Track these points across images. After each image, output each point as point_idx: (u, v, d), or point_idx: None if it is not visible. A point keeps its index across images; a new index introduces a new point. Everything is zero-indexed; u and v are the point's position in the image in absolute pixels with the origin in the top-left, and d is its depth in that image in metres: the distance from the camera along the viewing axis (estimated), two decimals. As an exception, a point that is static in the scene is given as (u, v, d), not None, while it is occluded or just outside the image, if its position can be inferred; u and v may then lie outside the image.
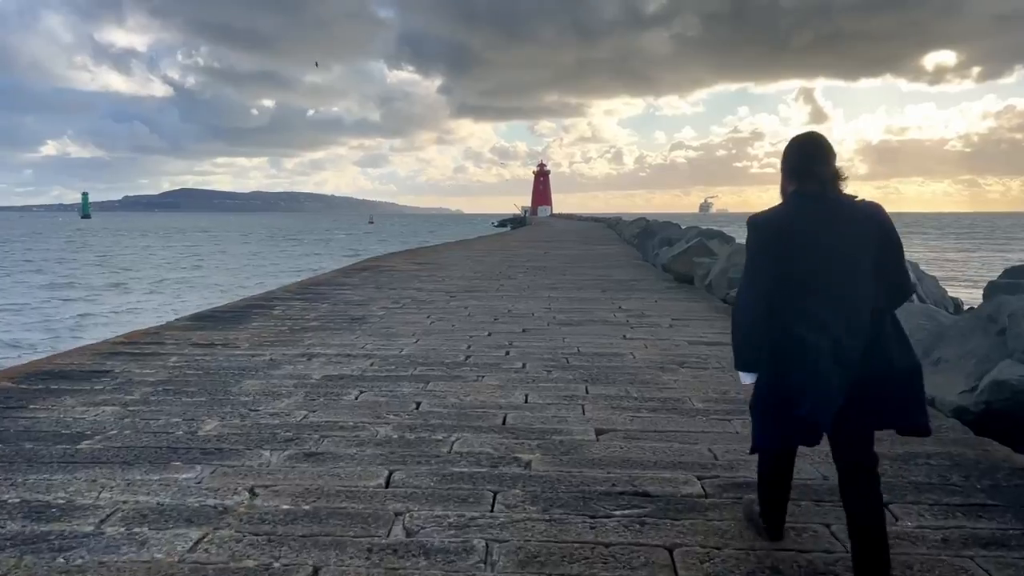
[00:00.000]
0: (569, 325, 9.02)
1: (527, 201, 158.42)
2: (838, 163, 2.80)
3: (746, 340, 2.82)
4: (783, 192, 2.87)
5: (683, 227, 23.43)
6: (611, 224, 55.67)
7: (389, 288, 13.10)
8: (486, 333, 8.37)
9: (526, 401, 5.49)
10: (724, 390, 5.83)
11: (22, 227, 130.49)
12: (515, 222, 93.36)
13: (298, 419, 4.97)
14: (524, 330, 8.62)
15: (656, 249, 18.51)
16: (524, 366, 6.66)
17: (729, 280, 11.67)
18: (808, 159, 2.77)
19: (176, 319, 9.74)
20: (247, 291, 18.33)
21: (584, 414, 5.16)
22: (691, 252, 14.01)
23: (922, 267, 13.13)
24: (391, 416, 5.05)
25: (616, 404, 5.42)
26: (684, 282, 14.11)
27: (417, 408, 5.27)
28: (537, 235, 41.43)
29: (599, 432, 4.75)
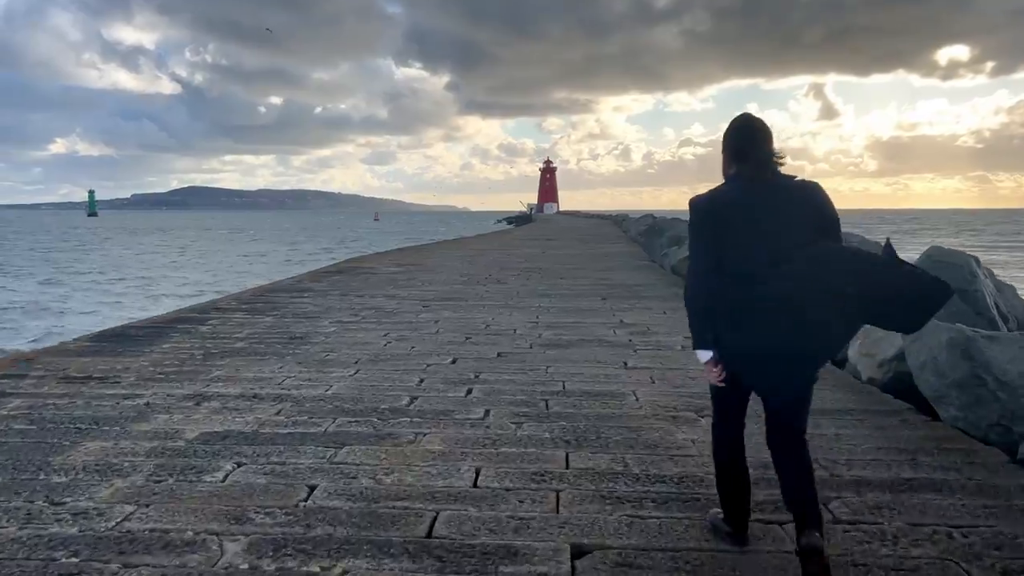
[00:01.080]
0: (557, 347, 7.23)
1: (534, 198, 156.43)
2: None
3: (699, 322, 2.85)
4: (724, 175, 2.90)
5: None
6: (617, 221, 53.76)
7: (356, 295, 11.34)
8: (449, 360, 6.58)
9: (475, 483, 3.71)
10: (764, 459, 4.05)
11: (23, 225, 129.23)
12: (520, 219, 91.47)
13: (110, 523, 3.20)
14: (499, 355, 6.84)
15: (664, 249, 16.64)
16: (486, 415, 4.88)
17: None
18: (745, 141, 2.81)
19: (74, 339, 7.99)
20: (220, 294, 16.59)
21: (558, 511, 3.38)
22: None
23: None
24: (259, 517, 3.28)
25: (608, 489, 3.63)
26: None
27: (307, 499, 3.49)
28: (539, 233, 39.59)
29: (577, 552, 2.98)
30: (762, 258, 2.68)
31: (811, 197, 2.78)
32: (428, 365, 6.37)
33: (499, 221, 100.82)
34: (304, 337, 7.70)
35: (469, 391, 5.50)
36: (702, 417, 4.85)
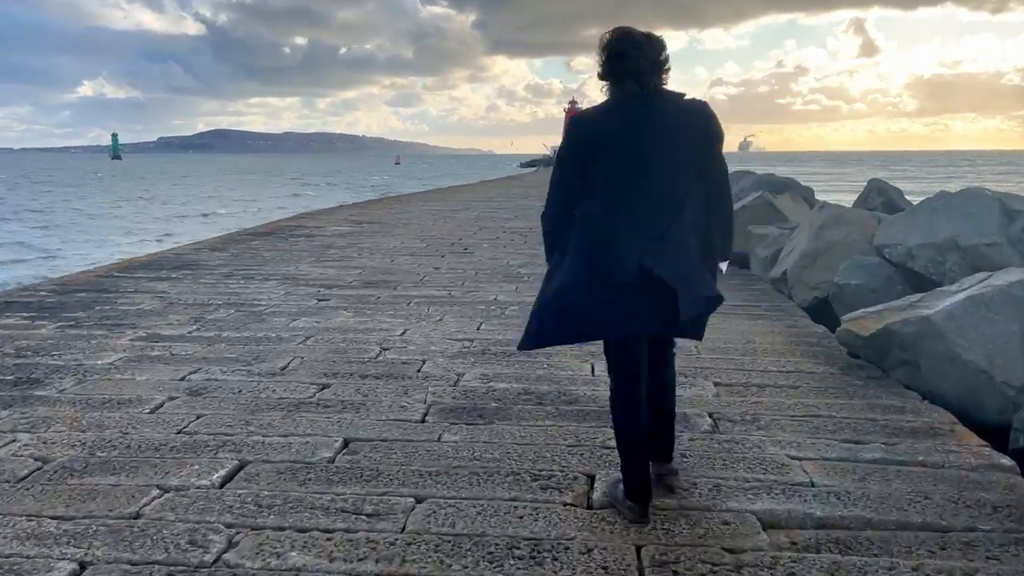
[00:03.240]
0: (474, 419, 3.78)
1: (559, 140, 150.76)
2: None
3: (553, 243, 2.76)
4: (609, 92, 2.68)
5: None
6: (642, 165, 49.39)
7: (243, 276, 7.95)
8: (218, 476, 3.13)
9: None
10: None
11: (36, 168, 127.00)
12: (544, 163, 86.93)
13: None
14: (347, 446, 3.41)
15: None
16: None
17: (821, 271, 6.28)
18: (622, 54, 2.58)
19: None
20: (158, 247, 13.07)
21: None
22: (745, 216, 8.54)
23: None
24: None
25: None
26: (733, 263, 8.70)
27: None
28: (547, 179, 35.62)
29: None
30: (632, 185, 2.55)
31: (697, 117, 2.61)
32: (133, 519, 2.95)
33: (522, 165, 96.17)
34: (35, 382, 4.33)
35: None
36: None
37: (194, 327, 5.72)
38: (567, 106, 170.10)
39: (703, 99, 2.65)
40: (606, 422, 3.66)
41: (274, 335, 5.47)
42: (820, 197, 13.84)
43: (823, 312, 6.07)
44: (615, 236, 2.54)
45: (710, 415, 3.85)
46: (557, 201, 2.71)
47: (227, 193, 52.65)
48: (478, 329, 5.68)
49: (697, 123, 2.59)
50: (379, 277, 7.98)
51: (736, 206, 9.44)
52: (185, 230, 24.62)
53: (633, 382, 2.69)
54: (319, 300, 6.75)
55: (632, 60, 2.55)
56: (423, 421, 3.76)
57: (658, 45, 2.59)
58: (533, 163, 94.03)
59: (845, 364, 4.72)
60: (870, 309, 4.58)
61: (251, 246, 10.46)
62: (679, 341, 2.98)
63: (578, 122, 2.67)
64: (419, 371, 4.60)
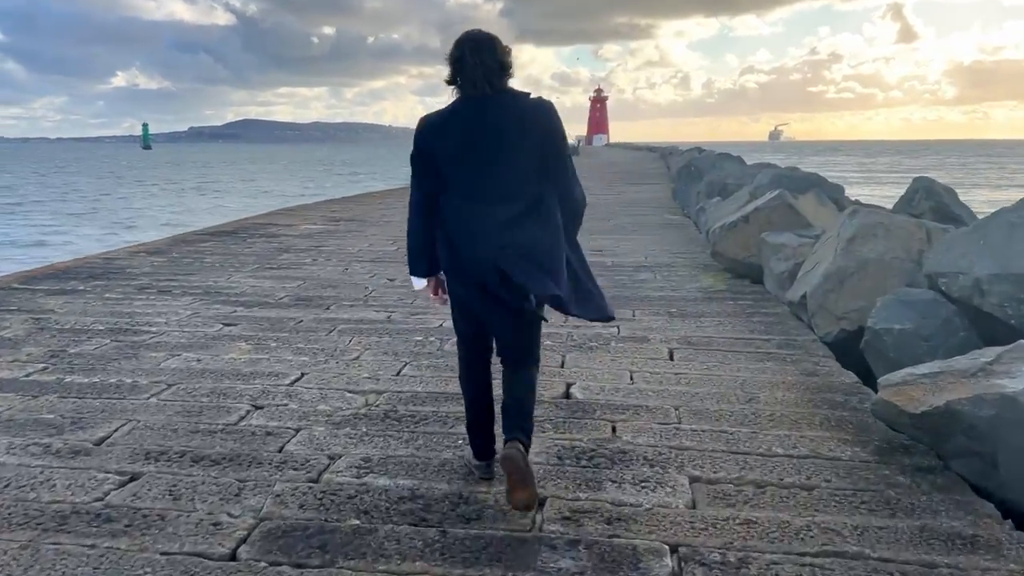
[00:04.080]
0: (315, 561, 2.49)
1: (583, 130, 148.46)
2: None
3: (415, 247, 2.82)
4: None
5: (748, 163, 15.93)
6: (663, 155, 47.67)
7: (158, 290, 6.72)
8: None
9: None
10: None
11: (69, 158, 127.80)
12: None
13: None
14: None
15: (701, 201, 11.41)
16: None
17: (850, 297, 4.89)
18: (461, 58, 2.65)
19: None
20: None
21: None
22: (759, 220, 7.06)
23: None
24: None
25: None
26: (744, 277, 7.26)
27: None
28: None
29: None
30: (478, 182, 2.62)
31: (537, 117, 2.66)
32: None
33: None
34: None
35: None
36: None
37: (41, 366, 4.48)
38: (592, 95, 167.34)
39: (543, 99, 2.69)
40: (508, 568, 2.35)
41: (129, 381, 4.21)
42: (852, 192, 12.30)
43: (852, 350, 4.67)
44: (469, 233, 2.63)
45: (674, 550, 2.51)
46: (414, 208, 2.77)
47: (249, 182, 52.12)
48: (398, 374, 4.38)
49: (537, 120, 2.63)
50: (317, 292, 6.70)
51: (749, 207, 8.03)
52: (194, 221, 23.60)
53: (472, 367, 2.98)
54: (224, 325, 5.49)
55: (470, 66, 2.61)
56: (232, 558, 2.46)
57: (500, 50, 2.63)
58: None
59: (884, 443, 3.35)
60: (921, 369, 3.19)
61: (197, 248, 9.24)
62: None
63: (423, 124, 2.71)
64: (280, 450, 3.30)
